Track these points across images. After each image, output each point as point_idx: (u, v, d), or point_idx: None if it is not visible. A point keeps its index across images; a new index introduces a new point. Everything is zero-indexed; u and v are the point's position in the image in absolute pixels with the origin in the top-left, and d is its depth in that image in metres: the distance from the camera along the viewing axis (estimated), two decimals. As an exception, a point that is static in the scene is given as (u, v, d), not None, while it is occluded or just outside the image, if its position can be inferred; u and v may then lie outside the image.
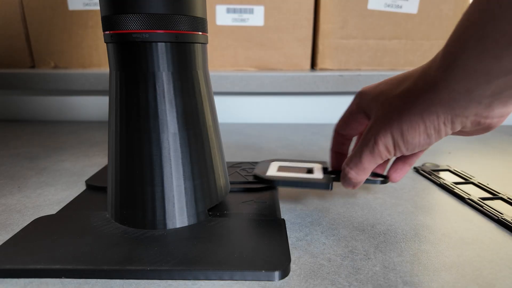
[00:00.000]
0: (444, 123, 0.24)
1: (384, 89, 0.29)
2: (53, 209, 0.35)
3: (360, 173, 0.30)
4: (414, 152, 0.28)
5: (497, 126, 0.25)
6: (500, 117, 0.24)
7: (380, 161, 0.29)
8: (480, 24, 0.20)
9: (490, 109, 0.23)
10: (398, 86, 0.27)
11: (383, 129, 0.27)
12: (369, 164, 0.29)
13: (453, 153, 0.55)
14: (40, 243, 0.28)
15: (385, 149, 0.27)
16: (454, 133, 0.26)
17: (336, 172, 0.36)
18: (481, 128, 0.25)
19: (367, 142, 0.28)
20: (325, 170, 0.37)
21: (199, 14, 0.28)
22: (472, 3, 0.21)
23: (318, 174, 0.36)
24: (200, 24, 0.29)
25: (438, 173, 0.45)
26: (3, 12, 0.73)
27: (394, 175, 0.34)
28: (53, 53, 0.75)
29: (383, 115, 0.27)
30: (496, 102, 0.22)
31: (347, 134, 0.35)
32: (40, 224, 0.31)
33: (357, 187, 0.32)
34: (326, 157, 0.52)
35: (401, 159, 0.33)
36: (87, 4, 0.71)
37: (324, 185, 0.33)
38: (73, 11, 0.72)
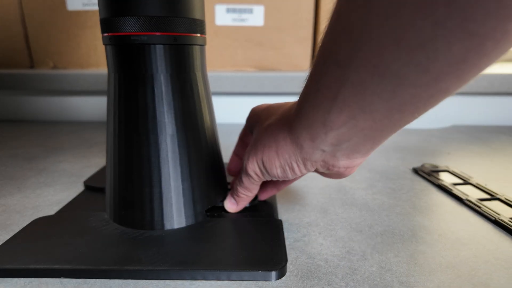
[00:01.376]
0: (296, 163, 0.26)
1: (262, 117, 0.31)
2: (52, 210, 0.35)
3: (245, 191, 0.32)
4: (280, 180, 0.30)
5: (349, 175, 0.27)
6: (347, 168, 0.26)
7: (257, 183, 0.31)
8: (315, 78, 0.22)
9: (335, 159, 0.25)
10: (270, 117, 0.29)
11: (252, 157, 0.29)
12: (249, 185, 0.31)
13: (453, 154, 0.55)
14: (40, 243, 0.28)
15: (254, 174, 0.29)
16: (317, 173, 0.28)
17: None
18: (334, 173, 0.27)
19: (243, 166, 0.31)
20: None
21: (197, 16, 0.28)
22: (316, 55, 0.22)
23: None
24: (199, 26, 0.29)
25: (437, 174, 0.45)
26: (2, 12, 0.73)
27: (261, 194, 0.36)
28: (52, 54, 0.75)
29: (254, 143, 0.29)
30: (338, 153, 0.24)
31: (246, 141, 0.37)
32: (39, 225, 0.31)
33: (239, 208, 0.34)
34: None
35: (272, 182, 0.35)
36: (86, 5, 0.71)
37: None
38: (72, 12, 0.72)
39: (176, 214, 0.30)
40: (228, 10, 0.71)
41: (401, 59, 0.16)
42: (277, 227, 0.31)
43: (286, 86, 0.72)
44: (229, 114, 0.81)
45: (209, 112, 0.32)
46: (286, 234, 0.31)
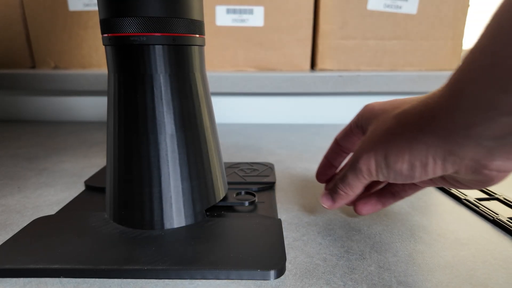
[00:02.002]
0: (433, 158, 0.21)
1: (387, 107, 0.27)
2: (52, 210, 0.36)
3: (347, 190, 0.28)
4: (396, 182, 0.25)
5: (497, 183, 0.22)
6: (501, 172, 0.21)
7: (365, 181, 0.27)
8: (491, 51, 0.18)
9: (490, 157, 0.20)
10: (399, 106, 0.25)
11: (368, 148, 0.25)
12: (353, 182, 0.27)
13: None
14: (40, 243, 0.28)
15: (367, 170, 0.26)
16: (445, 182, 0.25)
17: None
18: (478, 180, 0.22)
19: (352, 161, 0.27)
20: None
21: (196, 16, 0.29)
22: (484, 30, 0.19)
23: None
24: (197, 26, 0.29)
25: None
26: (4, 12, 0.73)
27: (362, 207, 0.31)
28: (53, 54, 0.75)
29: (374, 133, 0.26)
30: (498, 149, 0.19)
31: (344, 146, 0.33)
32: (40, 225, 0.31)
33: (335, 206, 0.30)
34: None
35: (379, 194, 0.31)
36: (87, 5, 0.71)
37: None
38: (73, 12, 0.72)
39: (175, 213, 0.30)
40: (228, 11, 0.71)
41: None
42: (276, 226, 0.31)
43: (286, 86, 0.72)
44: (229, 114, 0.81)
45: (208, 112, 0.32)
46: (285, 234, 0.31)
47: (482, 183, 0.22)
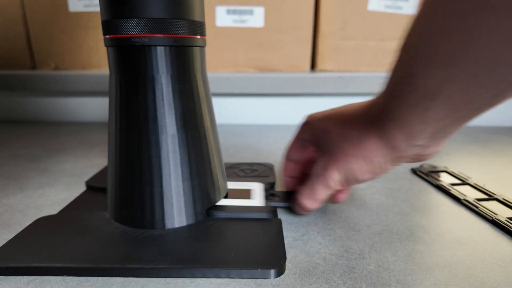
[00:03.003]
0: (388, 163, 0.27)
1: (329, 126, 0.31)
2: (54, 209, 0.36)
3: (314, 203, 0.32)
4: (362, 183, 0.31)
5: (431, 157, 0.28)
6: (432, 153, 0.27)
7: (332, 192, 0.31)
8: (406, 80, 0.22)
9: (427, 149, 0.26)
10: (343, 124, 0.30)
11: (334, 166, 0.29)
12: (321, 196, 0.31)
13: (452, 155, 0.55)
14: (42, 242, 0.28)
15: (334, 183, 0.30)
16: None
17: (278, 193, 0.38)
18: (418, 160, 0.28)
19: (319, 176, 0.31)
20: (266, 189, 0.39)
21: (197, 18, 0.29)
22: (396, 61, 0.23)
23: (258, 199, 0.36)
24: (199, 28, 0.29)
25: (436, 174, 0.45)
26: (4, 13, 0.73)
27: (339, 196, 0.35)
28: (53, 55, 0.75)
29: (331, 154, 0.30)
30: (431, 143, 0.25)
31: (296, 159, 0.37)
32: (42, 224, 0.32)
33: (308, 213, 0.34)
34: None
35: None
36: (87, 6, 0.72)
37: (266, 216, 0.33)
38: (74, 13, 0.72)
39: (176, 213, 0.30)
40: (228, 12, 0.72)
41: None
42: (276, 226, 0.31)
43: (286, 86, 0.72)
44: (230, 114, 0.81)
45: (209, 112, 0.33)
46: (285, 233, 0.31)
47: (420, 160, 0.28)
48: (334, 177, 0.30)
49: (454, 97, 0.20)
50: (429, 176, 0.45)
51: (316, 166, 0.31)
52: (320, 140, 0.32)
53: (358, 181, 0.29)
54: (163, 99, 0.29)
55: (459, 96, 0.20)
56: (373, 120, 0.27)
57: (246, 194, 0.37)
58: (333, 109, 0.33)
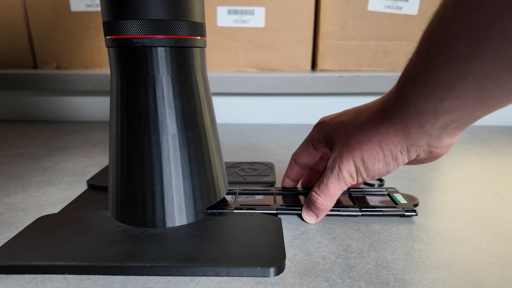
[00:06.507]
0: (401, 152, 0.28)
1: (344, 120, 0.32)
2: (55, 208, 0.36)
3: (327, 199, 0.32)
4: (374, 178, 0.30)
5: (444, 154, 0.29)
6: (447, 147, 0.28)
7: (345, 187, 0.31)
8: (423, 71, 0.23)
9: (439, 140, 0.26)
10: (357, 118, 0.30)
11: (346, 157, 0.30)
12: (336, 190, 0.31)
13: (451, 154, 0.55)
14: (44, 241, 0.29)
15: (348, 175, 0.30)
16: (408, 163, 0.29)
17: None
18: (432, 157, 0.29)
19: (332, 170, 0.31)
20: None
21: (197, 19, 0.29)
22: (415, 50, 0.24)
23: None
24: (199, 29, 0.29)
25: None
26: (6, 13, 0.74)
27: None
28: (55, 54, 0.76)
29: (345, 144, 0.30)
30: (444, 134, 0.26)
31: (303, 163, 0.37)
32: (43, 223, 0.32)
33: (319, 219, 0.33)
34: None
35: None
36: (89, 6, 0.72)
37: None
38: (75, 13, 0.73)
39: (177, 212, 0.31)
40: (229, 12, 0.72)
41: None
42: (276, 225, 0.31)
43: (286, 86, 0.72)
44: (230, 114, 0.81)
45: (209, 112, 0.33)
46: (284, 232, 0.31)
47: (434, 158, 0.29)
48: (348, 168, 0.30)
49: (469, 92, 0.21)
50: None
51: (329, 161, 0.31)
52: (334, 136, 0.32)
53: (371, 172, 0.29)
54: (163, 99, 0.29)
55: (475, 91, 0.21)
56: (388, 109, 0.27)
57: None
58: (344, 110, 0.34)
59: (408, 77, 0.25)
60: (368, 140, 0.28)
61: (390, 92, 0.28)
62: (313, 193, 0.32)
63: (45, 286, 0.25)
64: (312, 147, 0.36)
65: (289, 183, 0.38)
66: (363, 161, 0.29)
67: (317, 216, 0.33)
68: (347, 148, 0.30)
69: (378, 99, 0.30)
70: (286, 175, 0.38)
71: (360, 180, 0.30)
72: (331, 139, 0.33)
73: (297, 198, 0.37)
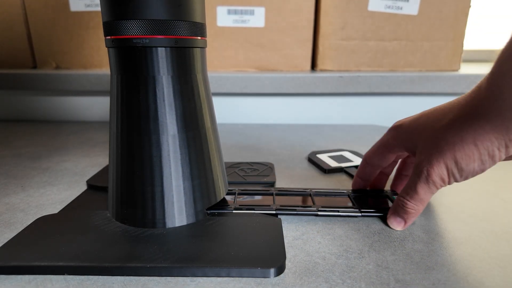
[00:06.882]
0: (498, 149, 0.26)
1: (426, 122, 0.30)
2: (55, 208, 0.36)
3: (418, 204, 0.31)
4: (467, 179, 0.29)
5: None
6: None
7: (435, 191, 0.30)
8: None
9: None
10: (443, 118, 0.29)
11: (436, 160, 0.28)
12: (425, 195, 0.30)
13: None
14: (43, 241, 0.29)
15: (439, 179, 0.29)
16: (506, 159, 0.28)
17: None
18: None
19: (420, 174, 0.29)
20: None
21: (198, 19, 0.29)
22: (510, 37, 0.23)
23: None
24: (199, 29, 0.29)
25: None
26: (6, 13, 0.74)
27: (399, 188, 0.37)
28: (54, 54, 0.76)
29: (432, 147, 0.29)
30: None
31: (376, 164, 0.37)
32: (43, 223, 0.32)
33: (407, 225, 0.32)
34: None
35: (403, 173, 0.38)
36: (88, 6, 0.72)
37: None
38: (75, 12, 0.73)
39: (177, 212, 0.30)
40: (229, 12, 0.72)
41: None
42: (276, 225, 0.31)
43: (286, 86, 0.72)
44: (230, 114, 0.81)
45: (209, 112, 0.33)
46: (285, 233, 0.31)
47: None
48: (440, 172, 0.28)
49: None
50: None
51: (416, 165, 0.30)
52: (415, 139, 0.31)
53: (465, 172, 0.28)
54: (164, 100, 0.29)
55: None
56: (479, 105, 0.26)
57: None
58: (421, 112, 0.32)
59: (502, 67, 0.24)
60: (460, 140, 0.27)
61: (479, 88, 0.27)
62: (401, 198, 0.31)
63: (45, 286, 0.25)
64: (386, 151, 0.35)
65: (360, 183, 0.38)
66: (456, 162, 0.27)
67: (405, 222, 0.32)
68: (436, 151, 0.28)
69: (462, 97, 0.29)
70: (358, 174, 0.38)
71: (452, 182, 0.29)
72: (412, 143, 0.32)
73: (297, 199, 0.37)
